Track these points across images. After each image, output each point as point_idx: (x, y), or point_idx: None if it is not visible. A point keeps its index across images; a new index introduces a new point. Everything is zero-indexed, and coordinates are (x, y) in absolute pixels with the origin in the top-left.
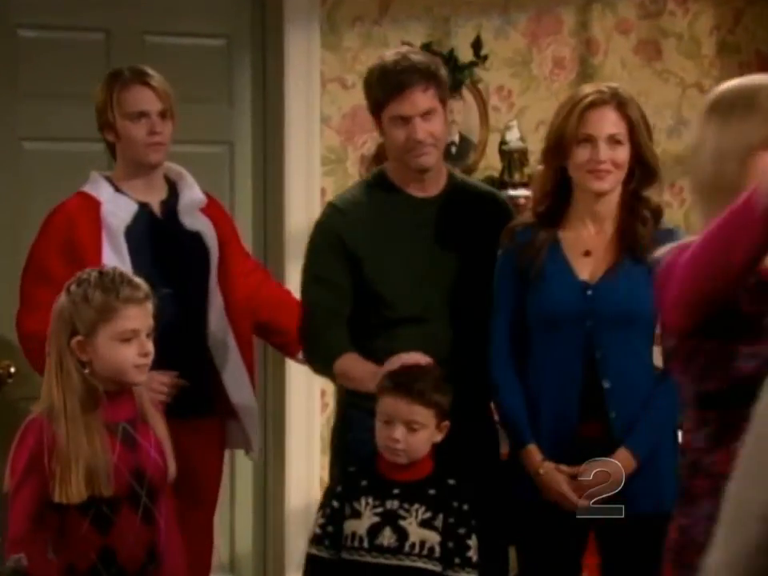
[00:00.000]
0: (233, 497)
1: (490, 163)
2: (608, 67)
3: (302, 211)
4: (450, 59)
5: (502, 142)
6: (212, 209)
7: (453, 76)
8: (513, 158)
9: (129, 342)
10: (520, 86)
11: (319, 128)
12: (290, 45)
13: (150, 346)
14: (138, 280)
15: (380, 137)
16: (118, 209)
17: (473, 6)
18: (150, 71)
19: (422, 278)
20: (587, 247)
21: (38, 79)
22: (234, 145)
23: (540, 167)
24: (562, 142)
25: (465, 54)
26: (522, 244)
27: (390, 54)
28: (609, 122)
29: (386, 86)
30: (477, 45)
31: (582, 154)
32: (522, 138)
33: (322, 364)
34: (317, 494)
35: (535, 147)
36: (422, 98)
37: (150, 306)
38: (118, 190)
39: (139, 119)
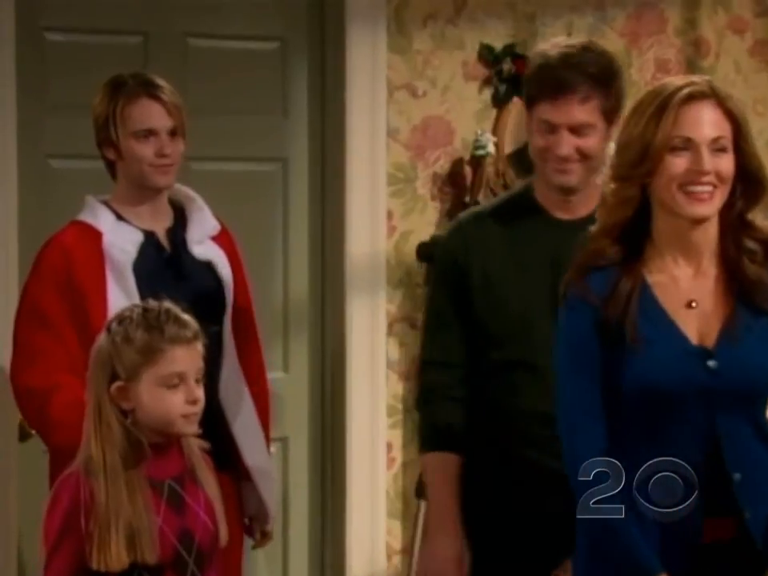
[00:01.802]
0: (285, 567)
1: None
2: (720, 71)
3: (366, 238)
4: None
5: None
6: (223, 239)
7: None
8: None
9: (175, 388)
10: None
11: (385, 142)
12: (352, 47)
13: (199, 393)
14: (186, 317)
15: (527, 135)
16: (121, 240)
17: (562, 1)
18: (158, 80)
19: (544, 316)
20: (690, 296)
21: (67, 89)
22: (288, 162)
23: (611, 187)
24: (649, 150)
25: None
26: (601, 292)
27: (561, 43)
28: (711, 123)
29: (541, 82)
30: None
31: (677, 164)
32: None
33: (419, 443)
34: (382, 564)
35: None
36: (578, 110)
37: (199, 347)
38: (119, 217)
39: (146, 138)
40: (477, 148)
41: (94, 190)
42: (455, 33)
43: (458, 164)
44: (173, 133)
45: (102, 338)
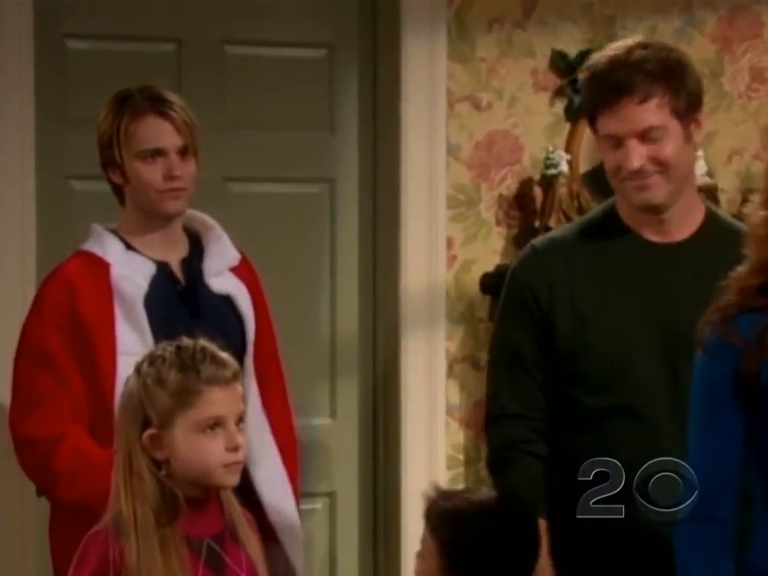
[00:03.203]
0: None
1: None
2: None
3: (422, 268)
4: None
5: None
6: (244, 271)
7: None
8: None
9: (214, 434)
10: (707, 105)
11: (445, 161)
12: (407, 55)
13: (240, 438)
14: (224, 355)
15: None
16: (131, 271)
17: (645, 2)
18: (168, 95)
19: (648, 355)
20: None
21: (90, 102)
22: (336, 183)
23: (761, 215)
24: None
25: None
26: (747, 336)
27: (613, 47)
28: None
29: (594, 93)
30: None
31: None
32: (709, 173)
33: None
34: None
35: (728, 184)
36: (639, 113)
37: (239, 388)
38: (129, 246)
39: (153, 159)
40: (548, 167)
41: (119, 215)
42: (524, 38)
43: (526, 185)
44: (183, 152)
45: (131, 381)
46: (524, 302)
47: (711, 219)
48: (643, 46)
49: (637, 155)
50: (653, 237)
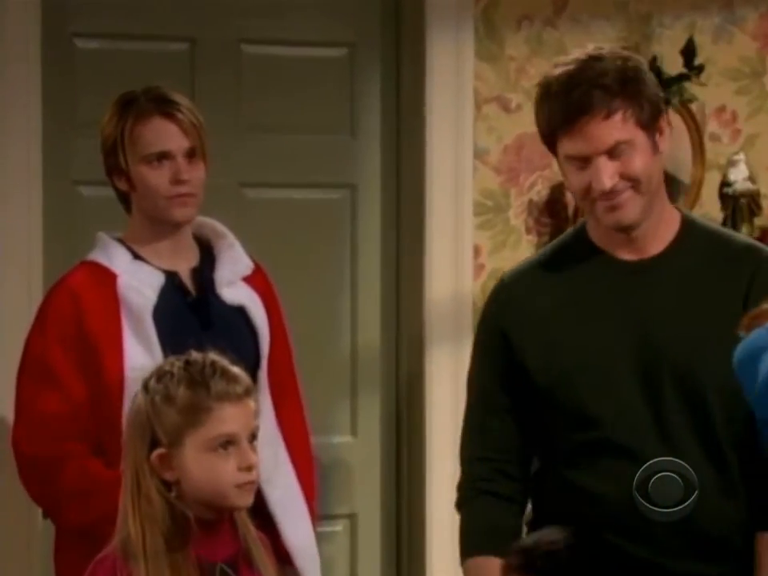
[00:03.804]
0: None
1: (707, 211)
2: None
3: (448, 277)
4: (652, 71)
5: (725, 183)
6: (258, 280)
7: None
8: (739, 205)
9: (225, 453)
10: (748, 107)
11: (472, 165)
12: (432, 54)
13: (254, 457)
14: (236, 370)
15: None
16: (139, 282)
17: None
18: (174, 96)
19: (628, 382)
20: None
21: (99, 105)
22: (358, 188)
23: None
24: None
25: (672, 65)
26: None
27: (564, 62)
28: None
29: (551, 114)
30: (689, 51)
31: None
32: (751, 178)
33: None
34: None
35: None
36: (604, 130)
37: (251, 404)
38: (136, 256)
39: (160, 162)
40: None
41: (128, 222)
42: (555, 36)
43: (557, 190)
44: (190, 155)
45: (138, 398)
46: (493, 344)
47: (688, 227)
48: (596, 57)
49: (608, 174)
50: (626, 255)
